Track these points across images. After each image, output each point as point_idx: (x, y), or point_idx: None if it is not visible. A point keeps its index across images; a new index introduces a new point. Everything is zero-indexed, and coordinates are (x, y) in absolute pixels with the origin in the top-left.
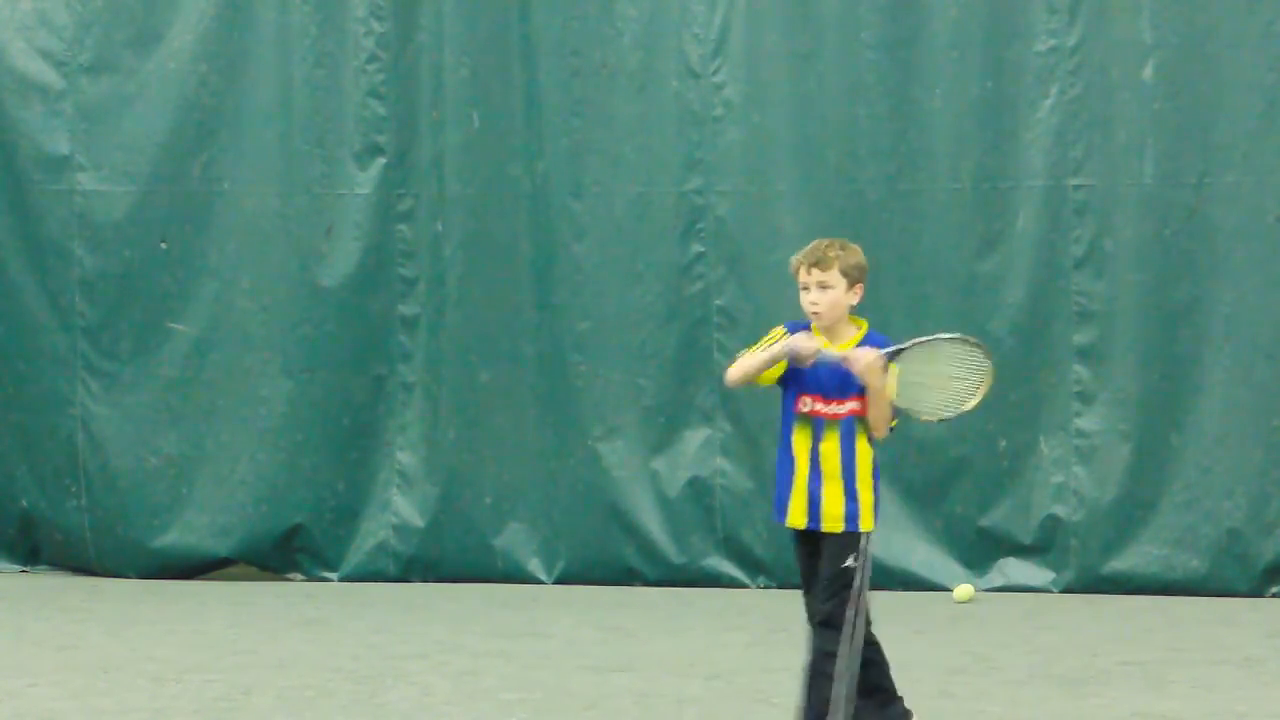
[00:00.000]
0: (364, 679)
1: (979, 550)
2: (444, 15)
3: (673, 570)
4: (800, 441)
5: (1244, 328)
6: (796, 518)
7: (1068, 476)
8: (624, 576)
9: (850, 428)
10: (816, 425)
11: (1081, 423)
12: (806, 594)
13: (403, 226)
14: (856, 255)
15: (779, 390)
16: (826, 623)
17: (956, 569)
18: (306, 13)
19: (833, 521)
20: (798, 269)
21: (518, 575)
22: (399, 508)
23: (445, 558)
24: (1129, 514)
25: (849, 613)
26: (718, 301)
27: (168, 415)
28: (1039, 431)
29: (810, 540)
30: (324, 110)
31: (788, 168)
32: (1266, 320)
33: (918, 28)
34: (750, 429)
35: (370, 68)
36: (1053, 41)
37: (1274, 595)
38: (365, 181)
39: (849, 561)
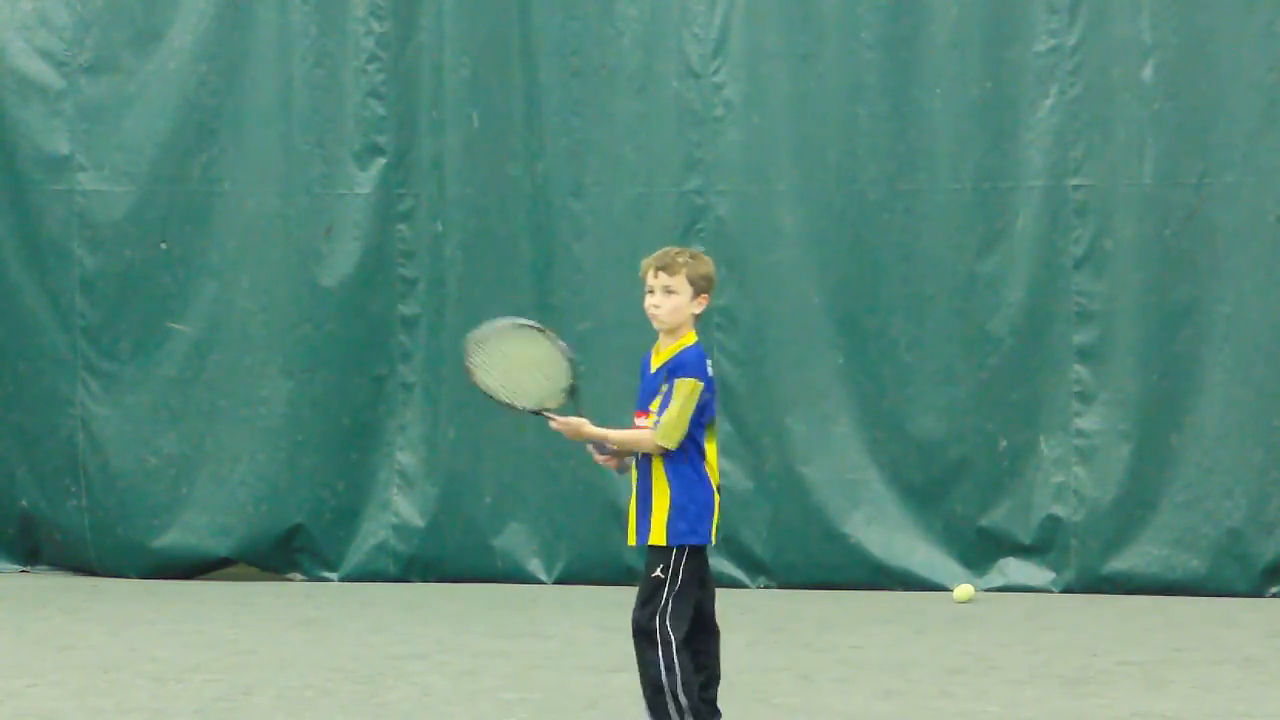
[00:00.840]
0: (364, 679)
1: (979, 550)
2: (444, 15)
3: None
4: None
5: (1244, 328)
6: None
7: (1068, 476)
8: (624, 576)
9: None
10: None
11: (1081, 423)
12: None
13: (403, 226)
14: (706, 266)
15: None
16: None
17: (956, 569)
18: (306, 13)
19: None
20: (645, 271)
21: (518, 575)
22: (399, 508)
23: (445, 558)
24: (1129, 514)
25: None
26: (718, 301)
27: (168, 415)
28: (1039, 431)
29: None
30: (324, 110)
31: (788, 168)
32: (1266, 320)
33: (918, 28)
34: (750, 429)
35: (370, 68)
36: (1053, 41)
37: (1274, 595)
38: (365, 181)
39: (657, 572)
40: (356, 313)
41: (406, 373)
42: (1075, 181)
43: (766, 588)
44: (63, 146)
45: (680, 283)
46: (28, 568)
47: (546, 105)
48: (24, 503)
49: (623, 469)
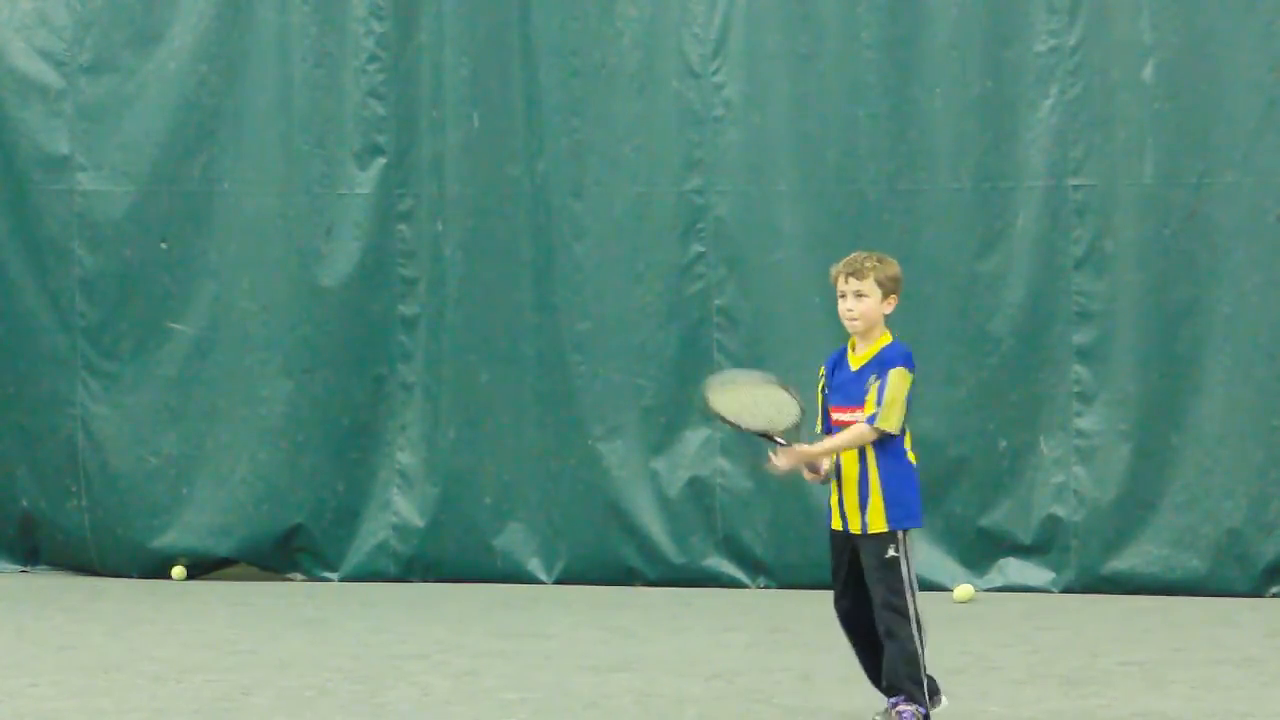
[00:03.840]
0: (364, 679)
1: (979, 550)
2: (444, 15)
3: (673, 570)
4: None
5: (1244, 328)
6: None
7: (1068, 476)
8: (624, 576)
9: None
10: None
11: (1081, 423)
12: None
13: (403, 226)
14: (893, 268)
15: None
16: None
17: (956, 569)
18: (306, 13)
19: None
20: (836, 278)
21: (518, 575)
22: (399, 508)
23: (445, 558)
24: (1129, 514)
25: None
26: (718, 301)
27: (168, 415)
28: (1039, 431)
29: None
30: (324, 110)
31: (788, 168)
32: (1266, 320)
33: (918, 28)
34: None
35: (370, 68)
36: (1053, 41)
37: (1274, 595)
38: (365, 181)
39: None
40: (356, 313)
41: (406, 373)
42: (1075, 181)
43: (766, 588)
44: (63, 146)
45: (870, 285)
46: (28, 568)
47: (546, 105)
48: (24, 503)
49: (826, 479)
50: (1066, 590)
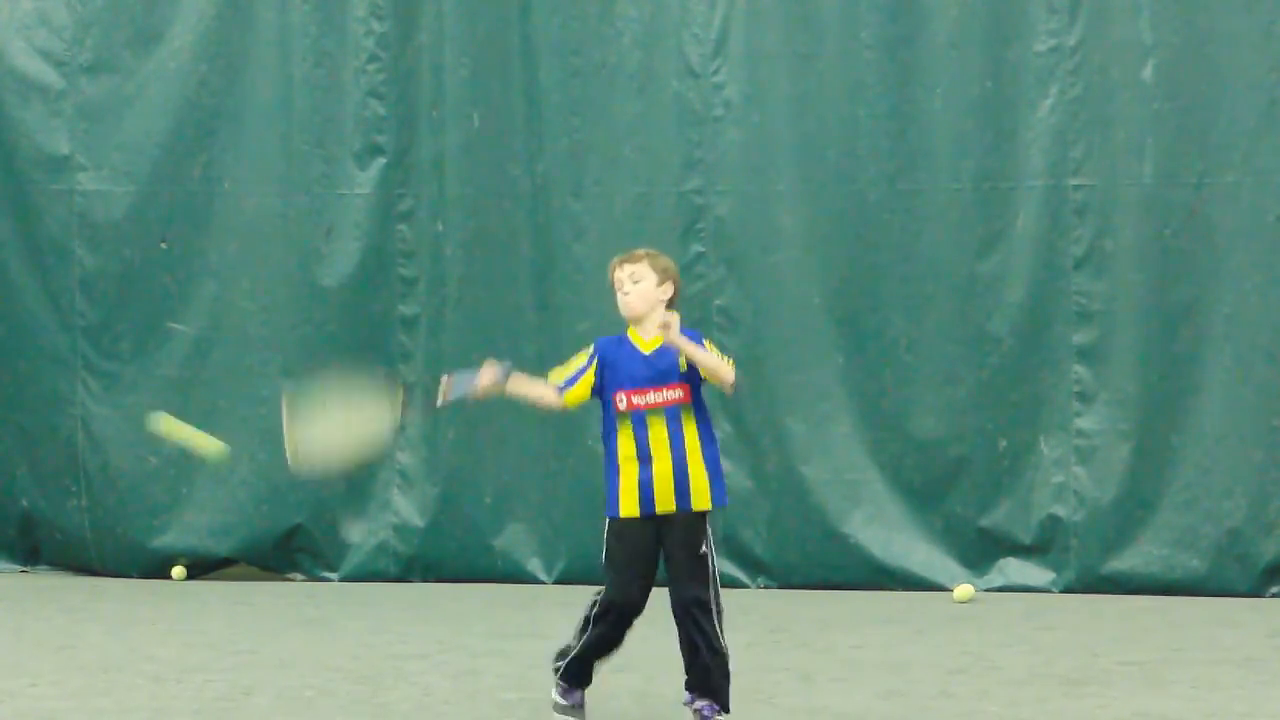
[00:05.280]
0: (364, 679)
1: (979, 550)
2: (444, 15)
3: None
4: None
5: (1244, 328)
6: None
7: (1068, 476)
8: None
9: (675, 413)
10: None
11: (1081, 423)
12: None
13: (403, 226)
14: (666, 260)
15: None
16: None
17: (956, 569)
18: (306, 13)
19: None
20: (612, 270)
21: (518, 575)
22: (399, 508)
23: (445, 558)
24: (1129, 514)
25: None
26: (718, 301)
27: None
28: (1039, 431)
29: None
30: (324, 110)
31: (788, 168)
32: (1266, 320)
33: (918, 28)
34: (750, 429)
35: (370, 68)
36: (1053, 41)
37: (1274, 595)
38: (365, 181)
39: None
40: (356, 313)
41: (406, 373)
42: (1075, 181)
43: (766, 588)
44: (63, 146)
45: (644, 269)
46: (28, 568)
47: (546, 105)
48: (24, 503)
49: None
50: (1066, 590)
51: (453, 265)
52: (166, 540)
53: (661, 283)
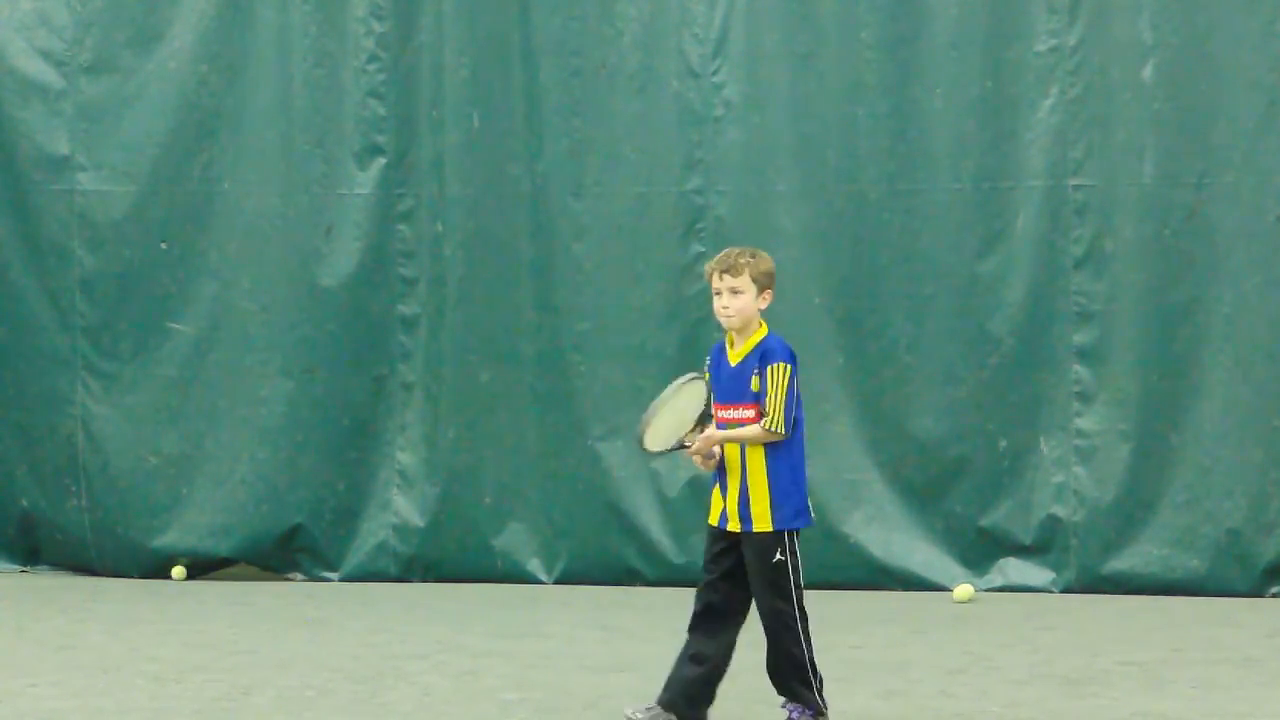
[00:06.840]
0: (364, 679)
1: (979, 550)
2: (444, 15)
3: (673, 570)
4: None
5: (1244, 328)
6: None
7: (1068, 476)
8: (624, 576)
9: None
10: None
11: (1081, 423)
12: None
13: (403, 226)
14: (766, 263)
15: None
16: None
17: (956, 569)
18: (306, 13)
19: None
20: (710, 275)
21: (518, 575)
22: (399, 508)
23: (445, 558)
24: (1129, 514)
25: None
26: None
27: (168, 415)
28: (1039, 431)
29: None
30: (324, 110)
31: (788, 168)
32: (1266, 320)
33: (918, 28)
34: None
35: (370, 68)
36: (1053, 41)
37: (1274, 595)
38: (365, 181)
39: (777, 556)
40: (356, 313)
41: (406, 373)
42: (1075, 181)
43: None
44: (63, 146)
45: (744, 282)
46: (28, 568)
47: (546, 105)
48: (24, 503)
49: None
50: (1066, 590)
51: (453, 265)
52: (166, 540)
53: (761, 292)
